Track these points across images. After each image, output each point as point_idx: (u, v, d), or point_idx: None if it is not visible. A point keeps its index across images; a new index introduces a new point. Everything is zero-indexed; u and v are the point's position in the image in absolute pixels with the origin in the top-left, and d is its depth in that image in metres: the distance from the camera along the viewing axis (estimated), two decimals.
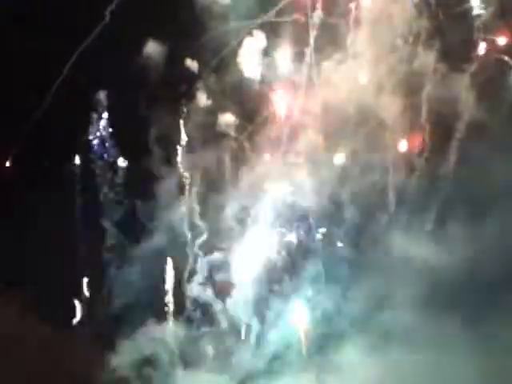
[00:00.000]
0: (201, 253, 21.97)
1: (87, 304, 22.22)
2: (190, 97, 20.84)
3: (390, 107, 19.59)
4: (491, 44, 19.39)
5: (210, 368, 21.37)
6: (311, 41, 19.54)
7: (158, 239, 21.84)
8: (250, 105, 20.80)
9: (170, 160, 21.63)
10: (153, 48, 20.18)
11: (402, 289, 20.06)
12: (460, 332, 19.26)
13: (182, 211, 21.96)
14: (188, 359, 21.61)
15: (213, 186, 21.75)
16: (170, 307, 21.83)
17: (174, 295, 21.91)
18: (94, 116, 21.58)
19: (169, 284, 21.91)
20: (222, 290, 21.80)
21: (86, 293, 22.18)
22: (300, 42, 19.80)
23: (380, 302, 20.22)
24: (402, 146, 20.51)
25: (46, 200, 20.91)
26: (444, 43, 19.21)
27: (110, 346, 21.37)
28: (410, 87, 19.48)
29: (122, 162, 22.08)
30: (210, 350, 21.62)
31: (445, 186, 20.13)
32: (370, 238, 21.07)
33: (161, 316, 21.76)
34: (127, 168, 22.14)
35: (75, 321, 22.13)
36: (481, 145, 19.29)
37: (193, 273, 22.05)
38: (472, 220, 19.71)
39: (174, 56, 20.29)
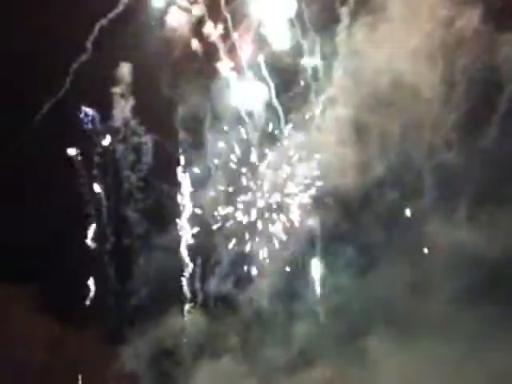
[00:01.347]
0: (225, 241, 20.87)
1: (108, 295, 21.18)
2: (215, 71, 19.79)
3: (427, 76, 18.20)
4: None
5: (234, 359, 20.16)
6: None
7: (182, 227, 20.88)
8: (280, 80, 19.72)
9: (196, 141, 20.63)
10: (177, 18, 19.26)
11: (437, 276, 19.00)
12: (498, 322, 17.93)
13: (207, 198, 20.88)
14: (211, 350, 20.44)
15: (240, 170, 20.72)
16: (194, 297, 20.94)
17: (198, 285, 20.95)
18: (117, 94, 20.58)
19: (192, 273, 20.94)
20: None
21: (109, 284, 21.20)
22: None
23: (412, 290, 18.97)
24: (438, 119, 19.07)
25: (64, 185, 20.25)
26: (487, 3, 17.81)
27: (130, 337, 20.41)
28: (449, 53, 18.07)
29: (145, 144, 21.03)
30: (233, 341, 20.43)
31: (485, 163, 18.69)
32: (404, 222, 19.75)
33: (183, 306, 20.83)
34: (151, 150, 21.07)
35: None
36: None
37: (217, 262, 20.99)
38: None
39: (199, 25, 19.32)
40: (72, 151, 20.59)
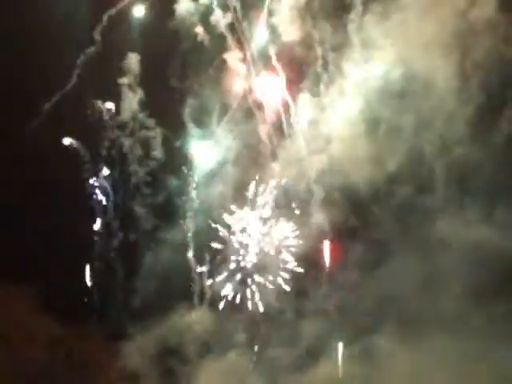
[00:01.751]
0: (235, 237, 20.44)
1: (114, 291, 20.73)
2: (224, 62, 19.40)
3: (441, 67, 17.72)
4: None
5: (240, 357, 19.76)
6: None
7: (189, 223, 20.45)
8: (290, 71, 19.31)
9: (204, 135, 20.23)
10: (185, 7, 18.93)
11: (449, 274, 18.49)
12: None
13: (216, 193, 20.45)
14: (218, 347, 19.96)
15: (250, 164, 20.30)
16: (201, 294, 20.42)
17: (205, 282, 20.46)
18: (125, 86, 20.20)
19: (199, 270, 20.48)
20: None
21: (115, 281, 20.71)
22: None
23: (423, 287, 18.59)
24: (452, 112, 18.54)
25: (69, 180, 20.04)
26: None
27: (135, 335, 19.98)
28: (464, 43, 17.57)
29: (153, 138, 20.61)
30: (241, 337, 20.05)
31: (501, 158, 18.18)
32: (416, 218, 19.21)
33: (190, 303, 20.30)
34: (159, 144, 20.64)
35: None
36: None
37: (225, 259, 20.50)
38: None
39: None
40: (77, 144, 20.19)
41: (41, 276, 19.33)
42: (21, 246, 19.65)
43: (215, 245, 20.43)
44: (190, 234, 20.49)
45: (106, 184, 20.76)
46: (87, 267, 20.49)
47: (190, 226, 20.46)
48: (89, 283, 20.52)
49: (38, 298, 19.39)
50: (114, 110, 20.31)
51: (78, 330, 19.79)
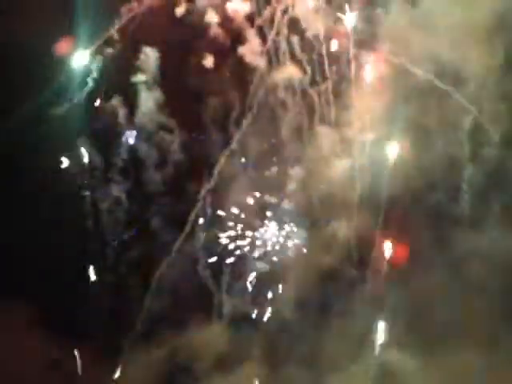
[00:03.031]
0: (250, 247, 19.54)
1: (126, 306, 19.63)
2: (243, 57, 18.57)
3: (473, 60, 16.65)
4: None
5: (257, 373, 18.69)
6: None
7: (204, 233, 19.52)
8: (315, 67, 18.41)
9: (223, 137, 19.29)
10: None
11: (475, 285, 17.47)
12: None
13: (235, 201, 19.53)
14: (231, 364, 18.75)
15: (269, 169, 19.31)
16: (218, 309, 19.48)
17: (222, 296, 19.52)
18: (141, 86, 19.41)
19: (216, 284, 19.57)
20: None
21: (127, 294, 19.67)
22: None
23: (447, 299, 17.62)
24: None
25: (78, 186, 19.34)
26: None
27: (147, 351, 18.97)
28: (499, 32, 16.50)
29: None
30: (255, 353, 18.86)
31: None
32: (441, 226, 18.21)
33: (204, 317, 19.21)
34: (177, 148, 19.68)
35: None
36: None
37: (243, 272, 19.60)
38: None
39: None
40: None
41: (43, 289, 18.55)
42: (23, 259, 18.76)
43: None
44: (208, 245, 19.55)
45: (118, 192, 19.83)
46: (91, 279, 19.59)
47: (208, 236, 19.46)
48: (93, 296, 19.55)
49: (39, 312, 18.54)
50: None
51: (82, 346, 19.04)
